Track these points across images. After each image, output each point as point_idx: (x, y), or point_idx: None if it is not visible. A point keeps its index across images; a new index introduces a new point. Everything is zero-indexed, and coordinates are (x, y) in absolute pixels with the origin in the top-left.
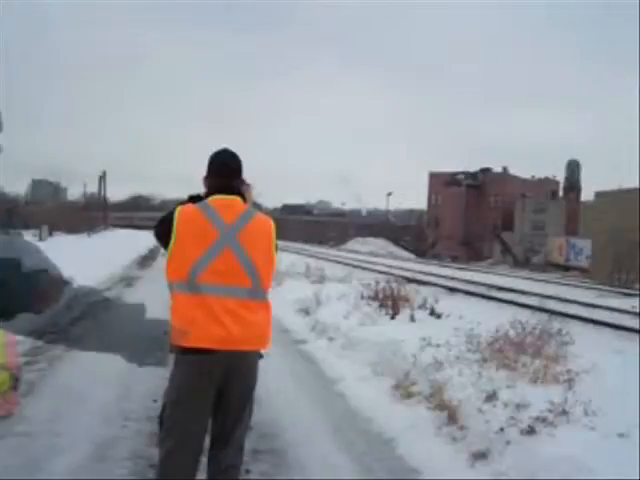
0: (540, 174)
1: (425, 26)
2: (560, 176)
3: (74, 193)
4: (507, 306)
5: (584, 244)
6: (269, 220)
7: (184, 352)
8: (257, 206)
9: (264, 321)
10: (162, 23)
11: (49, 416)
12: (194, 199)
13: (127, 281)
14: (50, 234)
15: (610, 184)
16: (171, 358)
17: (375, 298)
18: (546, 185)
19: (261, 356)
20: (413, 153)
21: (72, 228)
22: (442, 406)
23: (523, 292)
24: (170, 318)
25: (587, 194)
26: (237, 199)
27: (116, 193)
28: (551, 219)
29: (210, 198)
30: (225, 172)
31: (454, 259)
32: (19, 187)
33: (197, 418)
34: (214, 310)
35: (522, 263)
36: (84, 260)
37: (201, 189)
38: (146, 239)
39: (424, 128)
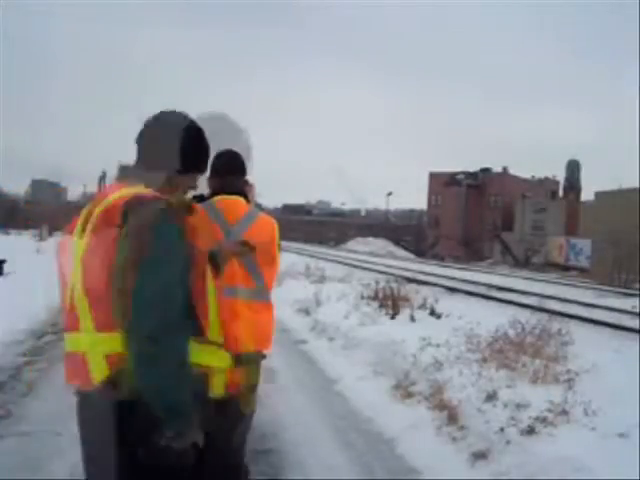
0: (540, 174)
1: (425, 26)
2: (560, 176)
3: (74, 193)
4: (507, 306)
5: (584, 244)
6: (272, 221)
7: None
8: (258, 206)
9: (267, 322)
10: (162, 22)
11: (49, 416)
12: (197, 199)
13: None
14: (50, 234)
15: (610, 184)
16: None
17: (375, 298)
18: (546, 185)
19: (264, 356)
20: (413, 153)
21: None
22: (442, 406)
23: (523, 292)
24: None
25: (587, 194)
26: (240, 199)
27: None
28: (551, 219)
29: (214, 198)
30: (228, 172)
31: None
32: (19, 187)
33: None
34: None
35: (522, 263)
36: None
37: (201, 189)
38: None
39: (424, 128)
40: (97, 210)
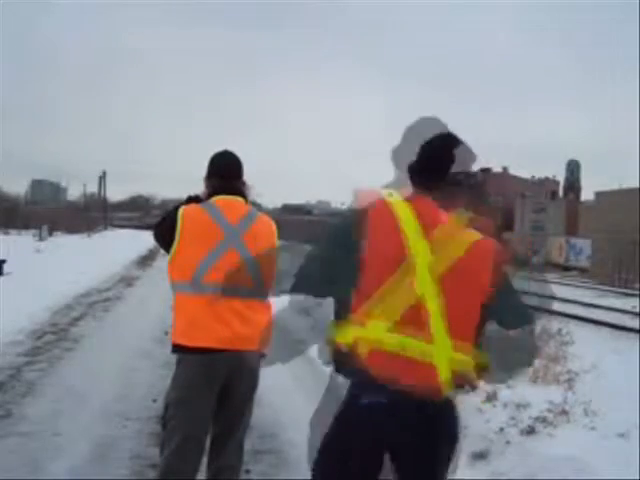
0: (540, 174)
1: (425, 26)
2: (560, 176)
3: (74, 193)
4: None
5: (584, 244)
6: (271, 221)
7: (188, 352)
8: (257, 206)
9: (267, 321)
10: (163, 22)
11: (49, 416)
12: (193, 200)
13: (127, 281)
14: (50, 234)
15: (610, 184)
16: (171, 358)
17: None
18: (546, 185)
19: (263, 356)
20: None
21: (72, 228)
22: None
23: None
24: (172, 318)
25: (587, 194)
26: (240, 200)
27: (116, 193)
28: (551, 219)
29: (214, 198)
30: (227, 173)
31: None
32: (19, 187)
33: (200, 418)
34: (219, 310)
35: (522, 263)
36: (84, 260)
37: (201, 189)
38: (146, 240)
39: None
40: (466, 238)
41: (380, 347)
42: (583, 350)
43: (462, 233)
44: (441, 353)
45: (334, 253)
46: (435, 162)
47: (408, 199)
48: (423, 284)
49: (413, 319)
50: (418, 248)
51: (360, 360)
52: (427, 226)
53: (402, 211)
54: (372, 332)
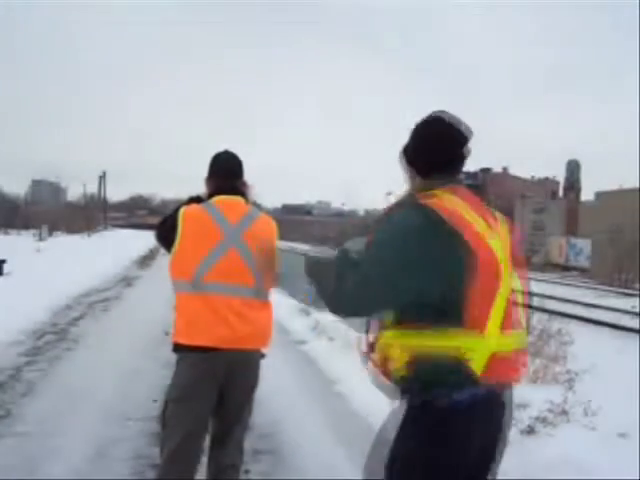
0: (540, 174)
1: (425, 26)
2: (560, 176)
3: (74, 193)
4: None
5: (584, 244)
6: (272, 221)
7: (188, 351)
8: (257, 206)
9: (267, 320)
10: (162, 21)
11: (48, 416)
12: (194, 200)
13: (128, 281)
14: (50, 234)
15: (610, 184)
16: (172, 358)
17: None
18: (546, 185)
19: (263, 355)
20: None
21: (72, 228)
22: None
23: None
24: (174, 317)
25: (587, 194)
26: (241, 200)
27: (116, 193)
28: (551, 219)
29: (214, 198)
30: (228, 173)
31: None
32: (19, 187)
33: (199, 417)
34: (219, 309)
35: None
36: (84, 260)
37: (201, 189)
38: (146, 240)
39: None
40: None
41: (498, 351)
42: (583, 350)
43: (495, 213)
44: (522, 338)
45: (427, 258)
46: (452, 150)
47: (453, 193)
48: (510, 276)
49: (508, 313)
50: (494, 243)
51: (471, 369)
52: (485, 218)
53: (460, 207)
54: (490, 338)
